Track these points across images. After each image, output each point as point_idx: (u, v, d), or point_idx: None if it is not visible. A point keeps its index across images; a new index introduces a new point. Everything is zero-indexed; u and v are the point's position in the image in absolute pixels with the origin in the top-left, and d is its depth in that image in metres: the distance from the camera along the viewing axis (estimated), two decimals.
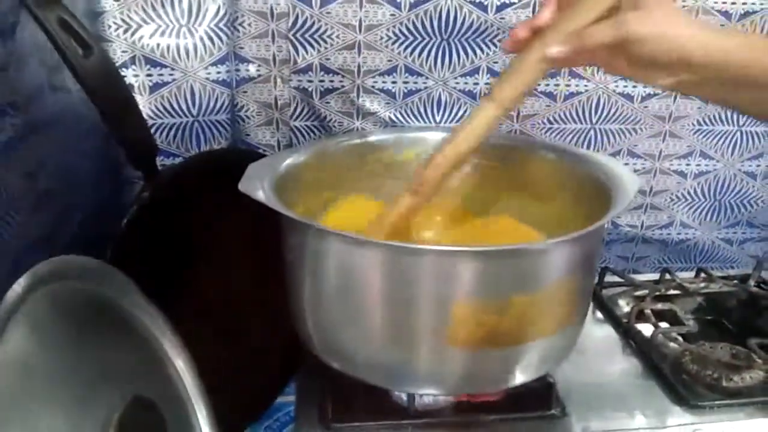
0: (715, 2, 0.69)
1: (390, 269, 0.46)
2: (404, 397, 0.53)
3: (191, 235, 0.57)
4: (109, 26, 0.60)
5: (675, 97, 0.74)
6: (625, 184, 0.52)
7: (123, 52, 0.61)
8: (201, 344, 0.52)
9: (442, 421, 0.52)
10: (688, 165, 0.78)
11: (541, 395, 0.53)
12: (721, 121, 0.76)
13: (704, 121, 0.76)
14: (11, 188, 0.42)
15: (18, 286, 0.39)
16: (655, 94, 0.73)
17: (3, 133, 0.41)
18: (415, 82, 0.69)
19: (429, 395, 0.52)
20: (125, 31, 0.61)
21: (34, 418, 0.41)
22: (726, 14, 0.70)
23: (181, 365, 0.51)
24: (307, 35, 0.66)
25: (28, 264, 0.41)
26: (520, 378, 0.49)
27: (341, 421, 0.51)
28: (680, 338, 0.62)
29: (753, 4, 0.70)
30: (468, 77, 0.70)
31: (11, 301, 0.39)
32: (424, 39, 0.67)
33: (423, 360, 0.48)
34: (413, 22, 0.66)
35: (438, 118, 0.72)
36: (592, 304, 0.68)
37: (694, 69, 0.41)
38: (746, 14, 0.70)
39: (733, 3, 0.70)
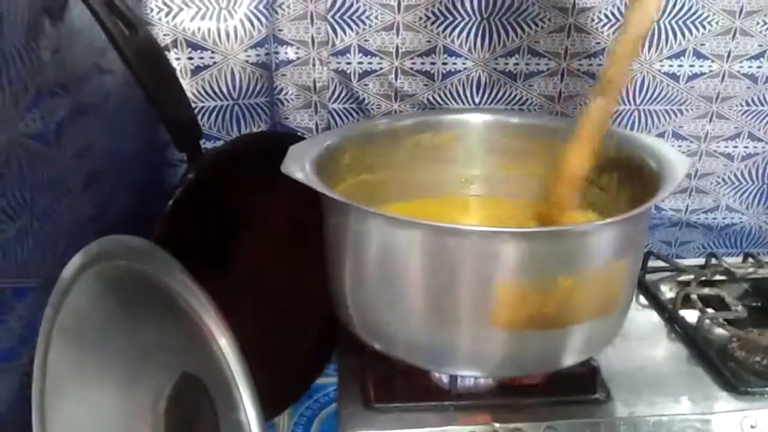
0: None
1: (433, 250, 0.45)
2: (446, 378, 0.53)
3: (234, 217, 0.58)
4: (151, 9, 0.61)
5: (723, 77, 0.71)
6: (672, 165, 0.51)
7: (165, 35, 0.62)
8: (243, 324, 0.53)
9: (483, 403, 0.52)
10: (735, 147, 0.76)
11: (584, 379, 0.53)
12: None
13: (753, 102, 0.73)
14: (62, 169, 0.43)
15: (73, 265, 0.40)
16: (701, 74, 0.71)
17: (55, 115, 0.42)
18: (454, 63, 0.69)
19: (471, 377, 0.52)
20: (167, 15, 0.61)
21: (86, 395, 0.42)
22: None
23: (224, 344, 0.52)
24: (345, 16, 0.65)
25: (79, 243, 0.42)
26: (563, 361, 0.49)
27: (383, 402, 0.51)
28: (727, 324, 0.60)
29: None
30: (509, 57, 0.69)
31: (65, 280, 0.40)
32: (463, 19, 0.66)
33: (465, 342, 0.47)
34: (452, 2, 0.65)
35: (477, 100, 0.71)
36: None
37: None
38: None
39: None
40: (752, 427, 0.51)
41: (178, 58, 0.63)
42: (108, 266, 0.43)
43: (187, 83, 0.63)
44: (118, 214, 0.53)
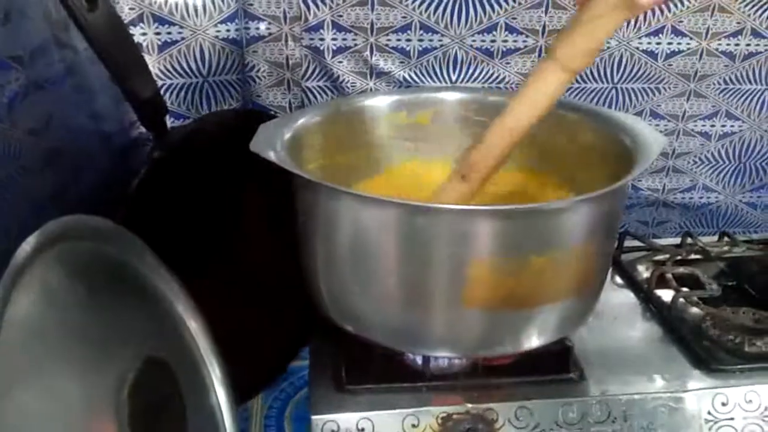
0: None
1: (405, 229, 0.44)
2: (419, 359, 0.52)
3: (202, 197, 0.56)
4: None
5: (701, 55, 0.71)
6: (648, 143, 0.51)
7: (130, 9, 0.59)
8: (214, 307, 0.52)
9: (457, 384, 0.51)
10: (712, 126, 0.76)
11: (558, 359, 0.52)
12: (749, 80, 0.73)
13: (731, 80, 0.73)
14: (16, 145, 0.41)
15: (27, 245, 0.38)
16: (679, 52, 0.70)
17: (7, 88, 0.40)
18: (431, 40, 0.67)
19: (444, 358, 0.52)
20: None
21: (47, 380, 0.41)
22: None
23: (194, 327, 0.51)
24: None
25: (36, 224, 0.40)
26: (537, 341, 0.49)
27: (355, 384, 0.50)
28: (701, 303, 0.60)
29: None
30: (485, 34, 0.67)
31: (20, 261, 0.39)
32: None
33: (438, 322, 0.47)
34: None
35: (454, 78, 0.70)
36: (611, 269, 0.67)
37: None
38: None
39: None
40: (723, 404, 0.51)
41: (144, 34, 0.61)
42: (69, 247, 0.42)
43: (154, 59, 0.61)
44: (82, 194, 0.51)
